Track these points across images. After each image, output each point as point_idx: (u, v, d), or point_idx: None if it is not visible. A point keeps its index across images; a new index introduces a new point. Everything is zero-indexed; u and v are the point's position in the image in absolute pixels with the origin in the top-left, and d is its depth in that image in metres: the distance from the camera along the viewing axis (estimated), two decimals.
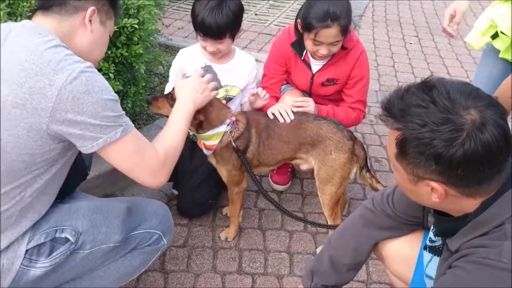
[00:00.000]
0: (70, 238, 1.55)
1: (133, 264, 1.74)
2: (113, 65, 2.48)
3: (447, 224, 1.35)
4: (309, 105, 2.38)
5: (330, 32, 2.24)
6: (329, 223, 2.37)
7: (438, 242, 1.48)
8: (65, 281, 1.67)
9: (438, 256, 1.48)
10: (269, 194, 2.29)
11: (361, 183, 2.83)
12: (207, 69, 2.35)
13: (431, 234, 1.49)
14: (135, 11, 2.54)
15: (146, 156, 1.58)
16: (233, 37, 2.27)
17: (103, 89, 1.46)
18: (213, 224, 2.58)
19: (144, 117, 3.18)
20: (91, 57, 1.66)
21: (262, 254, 2.42)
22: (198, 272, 2.29)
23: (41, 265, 1.53)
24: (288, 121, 2.25)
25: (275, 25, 5.36)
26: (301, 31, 2.37)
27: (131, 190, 2.70)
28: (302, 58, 2.52)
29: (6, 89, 1.37)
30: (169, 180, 2.60)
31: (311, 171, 2.37)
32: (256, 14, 5.64)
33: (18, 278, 1.51)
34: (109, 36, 1.72)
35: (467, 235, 1.25)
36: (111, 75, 2.47)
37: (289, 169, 2.89)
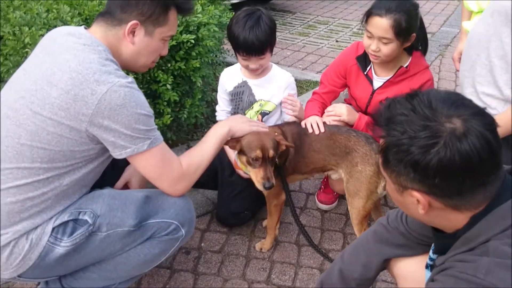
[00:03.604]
0: (89, 220, 1.71)
1: (152, 252, 1.85)
2: (171, 77, 2.69)
3: (442, 241, 1.30)
4: (340, 108, 2.42)
5: (381, 22, 2.25)
6: (358, 236, 2.32)
7: None
8: (89, 263, 1.83)
9: None
10: (298, 215, 2.35)
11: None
12: (243, 85, 2.46)
13: (430, 252, 1.43)
14: (195, 28, 2.74)
15: (169, 168, 1.77)
16: (271, 51, 2.37)
17: (139, 104, 1.64)
18: (252, 234, 2.64)
19: (205, 130, 3.34)
20: (137, 65, 1.88)
21: (293, 268, 2.42)
22: (227, 278, 2.35)
23: (64, 244, 1.70)
24: (317, 132, 2.29)
25: None
26: (362, 26, 2.40)
27: None
28: (365, 73, 2.54)
29: (54, 93, 1.60)
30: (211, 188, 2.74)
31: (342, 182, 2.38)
32: (337, 41, 5.69)
33: (44, 254, 1.69)
34: (167, 39, 1.88)
35: (455, 251, 1.20)
36: (169, 86, 2.69)
37: None
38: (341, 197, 2.94)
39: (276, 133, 2.24)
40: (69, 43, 1.70)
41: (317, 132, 2.30)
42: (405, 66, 2.45)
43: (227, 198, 2.59)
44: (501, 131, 1.16)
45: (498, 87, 1.84)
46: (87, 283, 1.86)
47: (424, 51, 2.57)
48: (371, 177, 2.19)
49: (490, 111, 1.86)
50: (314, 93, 2.70)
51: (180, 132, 3.13)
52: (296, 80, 4.44)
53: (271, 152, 2.09)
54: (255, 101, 2.47)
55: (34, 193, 1.65)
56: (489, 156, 1.09)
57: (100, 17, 1.79)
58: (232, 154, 2.36)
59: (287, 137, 2.28)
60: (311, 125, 2.32)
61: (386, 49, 2.32)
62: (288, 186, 2.35)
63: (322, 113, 2.52)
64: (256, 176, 2.12)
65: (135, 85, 1.68)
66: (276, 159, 2.21)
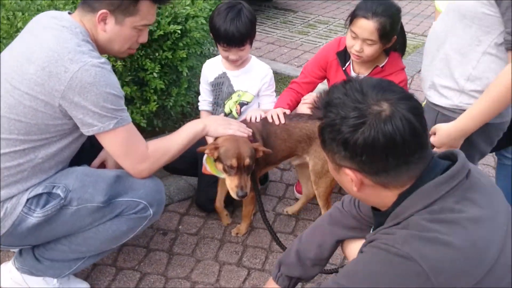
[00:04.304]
0: (61, 194, 1.82)
1: (120, 229, 1.95)
2: (158, 66, 2.80)
3: (378, 219, 1.39)
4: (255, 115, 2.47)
5: (367, 25, 2.32)
6: (323, 213, 2.50)
7: None
8: (61, 236, 1.93)
9: None
10: (265, 214, 2.40)
11: None
12: (223, 76, 2.56)
13: (371, 231, 1.52)
14: (183, 20, 2.85)
15: (133, 149, 1.87)
16: (251, 43, 2.47)
17: (109, 84, 1.75)
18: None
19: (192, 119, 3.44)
20: (112, 51, 1.97)
21: (265, 253, 2.52)
22: (200, 259, 2.45)
23: (37, 215, 1.81)
24: (277, 123, 2.38)
25: None
26: (347, 26, 2.48)
27: (165, 181, 2.96)
28: (344, 69, 2.62)
29: (32, 69, 1.72)
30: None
31: (301, 166, 2.53)
32: None
33: (17, 222, 1.80)
34: (142, 28, 1.92)
35: (383, 226, 1.29)
36: (156, 75, 2.80)
37: None
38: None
39: (251, 136, 2.27)
40: (51, 24, 1.81)
41: (277, 122, 2.38)
42: (381, 66, 2.54)
43: (206, 185, 2.69)
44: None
45: (454, 79, 1.92)
46: (58, 255, 1.97)
47: (402, 52, 2.66)
48: None
49: (446, 101, 1.97)
50: (292, 82, 2.77)
51: (168, 120, 3.24)
52: (289, 76, 4.58)
53: (247, 161, 2.13)
54: (234, 91, 2.57)
55: (10, 163, 1.76)
56: (412, 138, 1.18)
57: (81, 3, 1.90)
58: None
59: (254, 133, 2.35)
60: (271, 117, 2.40)
61: (369, 50, 2.41)
62: (259, 187, 2.43)
63: (294, 103, 2.60)
64: (231, 183, 2.17)
65: (108, 66, 1.78)
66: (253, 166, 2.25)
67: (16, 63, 1.76)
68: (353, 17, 2.40)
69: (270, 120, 2.40)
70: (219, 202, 2.63)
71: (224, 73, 2.58)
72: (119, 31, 1.89)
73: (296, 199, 2.94)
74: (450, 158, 1.31)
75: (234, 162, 2.12)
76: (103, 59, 1.78)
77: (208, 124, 2.15)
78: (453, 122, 1.91)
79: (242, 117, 2.54)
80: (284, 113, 2.42)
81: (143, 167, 1.92)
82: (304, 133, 2.39)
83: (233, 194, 2.18)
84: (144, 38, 2.00)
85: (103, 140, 1.83)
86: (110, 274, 2.32)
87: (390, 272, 1.16)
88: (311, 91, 2.76)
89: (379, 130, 1.16)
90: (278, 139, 2.39)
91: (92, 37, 1.87)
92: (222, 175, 2.25)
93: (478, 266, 1.12)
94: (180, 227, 2.67)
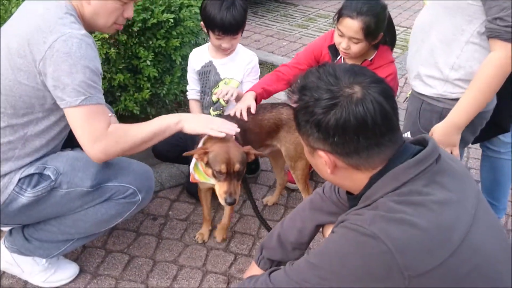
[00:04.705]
0: (51, 176, 1.86)
1: (109, 213, 1.99)
2: (152, 54, 2.83)
3: (352, 202, 1.42)
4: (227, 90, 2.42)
5: (352, 24, 2.33)
6: (304, 196, 2.55)
7: None
8: (50, 217, 1.98)
9: None
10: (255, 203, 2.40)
11: None
12: (209, 64, 2.59)
13: None
14: (177, 9, 2.88)
15: (92, 127, 1.77)
16: (243, 32, 2.51)
17: (85, 56, 1.71)
18: (218, 207, 2.77)
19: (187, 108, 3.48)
20: (98, 26, 1.94)
21: (252, 239, 2.56)
22: (188, 244, 2.50)
23: (27, 195, 1.86)
24: (245, 118, 2.30)
25: None
26: (335, 24, 2.48)
27: (157, 168, 3.00)
28: (335, 62, 2.65)
29: (15, 43, 1.75)
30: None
31: (273, 156, 2.60)
32: None
33: (8, 201, 1.85)
34: (127, 1, 1.87)
35: (355, 208, 1.33)
36: (149, 62, 2.83)
37: None
38: (310, 179, 3.07)
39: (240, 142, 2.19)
40: (38, 0, 1.84)
41: (245, 118, 2.30)
42: (369, 59, 2.56)
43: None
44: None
45: (438, 68, 1.95)
46: (47, 235, 2.02)
47: (392, 45, 2.68)
48: None
49: (431, 90, 2.00)
50: (282, 65, 2.72)
51: (162, 109, 3.28)
52: None
53: (236, 167, 2.01)
54: (221, 79, 2.60)
55: (1, 140, 1.80)
56: (382, 120, 1.21)
57: None
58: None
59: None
60: (235, 113, 2.33)
61: (356, 48, 2.43)
62: (249, 187, 2.43)
63: (270, 90, 2.53)
64: (219, 189, 2.05)
65: (89, 40, 1.75)
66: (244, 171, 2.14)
67: (5, 39, 1.80)
68: (339, 15, 2.40)
69: (239, 116, 2.33)
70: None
71: (210, 62, 2.62)
72: (103, 4, 1.85)
73: (286, 188, 2.98)
74: (421, 143, 1.34)
75: (223, 168, 2.00)
76: (84, 31, 1.76)
77: (185, 120, 1.96)
78: (445, 118, 1.94)
79: (230, 107, 2.56)
80: (249, 108, 2.35)
81: (98, 147, 1.78)
82: (272, 122, 2.41)
83: (222, 201, 2.06)
84: (129, 13, 1.96)
85: (67, 115, 1.76)
86: (100, 256, 2.37)
87: (358, 251, 1.19)
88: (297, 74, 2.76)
89: (350, 112, 1.20)
90: (252, 133, 2.37)
91: (78, 12, 1.86)
92: (212, 181, 2.13)
93: (442, 247, 1.16)
94: (170, 212, 2.71)
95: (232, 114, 2.32)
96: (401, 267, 1.12)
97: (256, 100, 2.41)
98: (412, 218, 1.16)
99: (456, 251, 1.16)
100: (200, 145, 2.16)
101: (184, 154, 2.08)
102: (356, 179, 1.32)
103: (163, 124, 1.92)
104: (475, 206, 1.27)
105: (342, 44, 2.44)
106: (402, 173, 1.24)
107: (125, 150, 1.85)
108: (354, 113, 1.20)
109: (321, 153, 1.30)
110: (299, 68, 2.71)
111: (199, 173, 2.18)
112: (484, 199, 1.35)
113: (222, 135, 2.00)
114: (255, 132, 2.39)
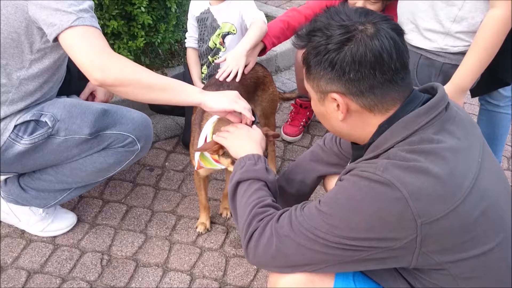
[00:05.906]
0: (48, 123, 1.82)
1: (107, 161, 1.96)
2: (146, 0, 2.72)
3: (357, 152, 1.40)
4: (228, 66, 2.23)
5: None
6: (272, 150, 2.63)
7: None
8: (47, 165, 1.95)
9: None
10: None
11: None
12: (208, 11, 2.51)
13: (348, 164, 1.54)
14: None
15: (94, 43, 1.61)
16: None
17: None
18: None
19: (181, 58, 3.38)
20: None
21: None
22: (186, 194, 2.49)
23: (24, 142, 1.81)
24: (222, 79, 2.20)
25: None
26: None
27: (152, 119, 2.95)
28: None
29: None
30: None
31: None
32: None
33: (4, 148, 1.81)
34: None
35: (363, 157, 1.31)
36: (143, 9, 2.73)
37: (302, 123, 2.99)
38: (305, 131, 3.06)
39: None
40: None
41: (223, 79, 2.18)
42: None
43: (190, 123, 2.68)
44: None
45: (439, 21, 1.91)
46: (44, 185, 1.99)
47: None
48: (276, 93, 2.48)
49: (431, 44, 1.96)
50: (293, 10, 2.60)
51: (156, 58, 3.19)
52: None
53: None
54: (218, 26, 2.51)
55: None
56: (397, 55, 1.19)
57: None
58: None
59: None
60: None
61: (373, 8, 2.36)
62: None
63: (280, 38, 2.47)
64: None
65: None
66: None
67: None
68: None
69: (224, 76, 2.19)
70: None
71: (208, 9, 2.53)
72: None
73: (283, 141, 2.97)
74: (429, 92, 1.32)
75: None
76: None
77: (207, 93, 1.67)
78: (450, 81, 1.92)
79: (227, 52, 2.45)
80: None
81: (98, 62, 1.58)
82: (253, 81, 2.31)
83: None
84: None
85: (62, 44, 1.61)
86: (97, 206, 2.36)
87: (370, 197, 1.18)
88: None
89: (366, 46, 1.17)
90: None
91: None
92: (221, 167, 1.91)
93: (454, 194, 1.16)
94: (166, 164, 2.69)
95: (221, 79, 2.18)
96: (414, 214, 1.12)
97: (265, 50, 2.43)
98: (425, 165, 1.16)
99: (466, 197, 1.16)
100: (206, 127, 1.90)
101: (196, 150, 1.85)
102: (367, 125, 1.29)
103: (177, 82, 1.68)
104: (481, 153, 1.27)
105: (357, 3, 2.37)
106: (412, 121, 1.22)
107: (127, 80, 1.60)
108: (370, 47, 1.17)
109: (334, 95, 1.25)
110: (310, 14, 2.58)
111: (206, 160, 1.96)
112: (488, 147, 1.36)
113: (251, 117, 1.70)
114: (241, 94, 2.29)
